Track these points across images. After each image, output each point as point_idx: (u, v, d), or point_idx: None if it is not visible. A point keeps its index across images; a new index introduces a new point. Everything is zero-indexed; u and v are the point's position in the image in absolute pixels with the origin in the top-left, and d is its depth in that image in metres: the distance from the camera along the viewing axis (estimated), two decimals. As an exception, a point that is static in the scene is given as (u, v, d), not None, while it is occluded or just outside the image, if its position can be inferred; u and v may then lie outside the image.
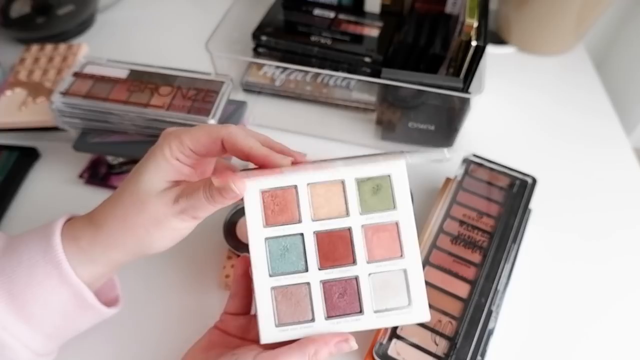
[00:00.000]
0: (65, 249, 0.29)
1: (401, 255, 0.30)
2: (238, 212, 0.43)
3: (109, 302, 0.34)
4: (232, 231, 0.41)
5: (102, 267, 0.30)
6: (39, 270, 0.29)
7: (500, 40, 0.65)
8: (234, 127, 0.30)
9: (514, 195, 0.43)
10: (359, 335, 0.38)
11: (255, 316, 0.31)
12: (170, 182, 0.30)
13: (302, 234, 0.30)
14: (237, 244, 0.41)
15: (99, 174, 0.48)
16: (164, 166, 0.30)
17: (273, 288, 0.29)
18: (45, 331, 0.30)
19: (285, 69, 0.54)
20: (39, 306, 0.29)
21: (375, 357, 0.34)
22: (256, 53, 0.57)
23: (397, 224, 0.30)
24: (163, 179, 0.30)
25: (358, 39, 0.55)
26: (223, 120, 0.46)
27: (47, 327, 0.30)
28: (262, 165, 0.30)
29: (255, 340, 0.29)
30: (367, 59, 0.53)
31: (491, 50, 0.63)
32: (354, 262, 0.29)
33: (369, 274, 0.30)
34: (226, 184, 0.28)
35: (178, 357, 0.38)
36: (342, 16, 0.58)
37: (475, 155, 0.46)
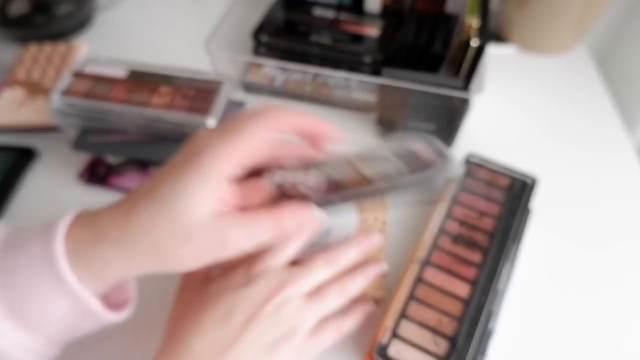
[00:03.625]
0: (70, 261, 0.26)
1: None
2: None
3: (119, 304, 0.31)
4: None
5: (110, 281, 0.28)
6: (39, 279, 0.26)
7: (501, 40, 0.65)
8: (273, 106, 0.27)
9: (514, 195, 0.43)
10: (359, 334, 0.38)
11: None
12: (221, 209, 0.26)
13: None
14: None
15: (99, 174, 0.48)
16: (216, 188, 0.25)
17: None
18: (47, 335, 0.28)
19: (285, 69, 0.54)
20: (39, 314, 0.27)
21: (375, 357, 0.34)
22: (256, 53, 0.57)
23: None
24: (214, 205, 0.25)
25: (358, 39, 0.55)
26: (223, 121, 0.46)
27: (49, 332, 0.28)
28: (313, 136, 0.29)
29: None
30: (367, 59, 0.53)
31: (492, 50, 0.63)
32: None
33: None
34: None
35: None
36: (342, 16, 0.58)
37: (475, 156, 0.46)
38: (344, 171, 0.31)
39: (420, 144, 0.33)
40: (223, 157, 0.25)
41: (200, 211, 0.25)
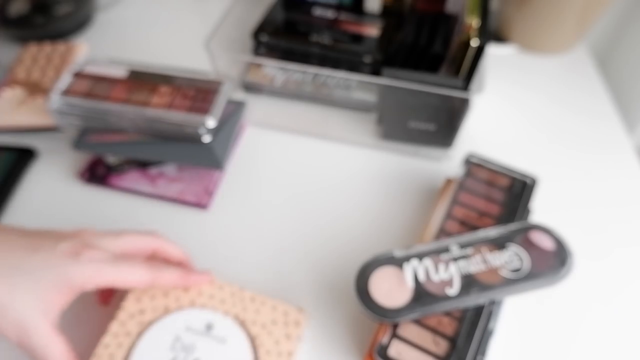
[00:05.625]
0: None
1: None
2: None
3: None
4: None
5: None
6: None
7: (501, 40, 0.65)
8: (162, 238, 0.35)
9: (514, 195, 0.43)
10: (359, 334, 0.38)
11: None
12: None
13: None
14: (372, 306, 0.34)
15: (99, 174, 0.48)
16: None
17: None
18: None
19: (285, 69, 0.54)
20: None
21: (376, 357, 0.34)
22: (256, 53, 0.57)
23: None
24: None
25: (358, 39, 0.55)
26: (223, 120, 0.46)
27: None
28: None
29: None
30: (367, 59, 0.53)
31: (492, 50, 0.63)
32: None
33: None
34: None
35: None
36: (342, 16, 0.58)
37: (475, 156, 0.46)
38: (476, 264, 0.35)
39: (539, 234, 0.37)
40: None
41: None
